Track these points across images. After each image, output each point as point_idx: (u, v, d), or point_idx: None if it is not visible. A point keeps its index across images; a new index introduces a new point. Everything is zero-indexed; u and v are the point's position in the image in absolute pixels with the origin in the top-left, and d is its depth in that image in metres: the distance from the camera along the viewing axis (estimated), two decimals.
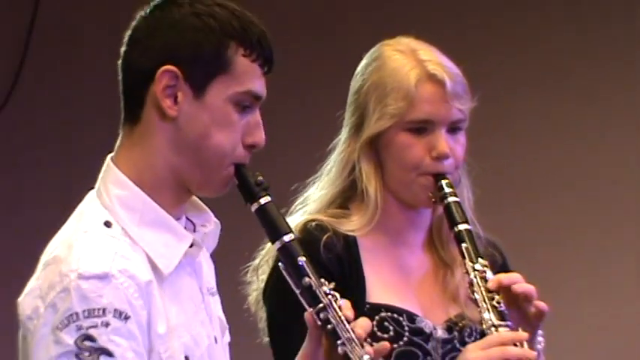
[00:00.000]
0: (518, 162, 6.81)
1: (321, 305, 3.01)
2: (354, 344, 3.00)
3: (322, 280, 3.03)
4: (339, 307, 3.03)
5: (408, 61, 3.50)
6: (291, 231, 2.99)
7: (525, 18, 7.17)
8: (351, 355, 2.98)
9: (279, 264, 3.08)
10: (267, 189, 2.96)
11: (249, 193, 2.96)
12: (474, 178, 3.61)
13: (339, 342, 2.99)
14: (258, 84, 2.88)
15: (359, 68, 3.57)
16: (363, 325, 3.02)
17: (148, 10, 2.89)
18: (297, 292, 3.02)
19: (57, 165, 6.65)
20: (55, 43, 7.24)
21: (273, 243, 3.00)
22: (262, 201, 2.96)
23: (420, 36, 3.58)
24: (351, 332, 3.00)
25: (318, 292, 3.02)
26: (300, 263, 3.00)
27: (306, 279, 3.02)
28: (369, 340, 3.04)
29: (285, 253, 3.01)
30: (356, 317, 3.04)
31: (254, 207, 2.97)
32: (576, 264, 6.78)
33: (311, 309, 3.01)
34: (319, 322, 3.01)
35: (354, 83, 3.56)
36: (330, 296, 3.02)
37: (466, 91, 3.51)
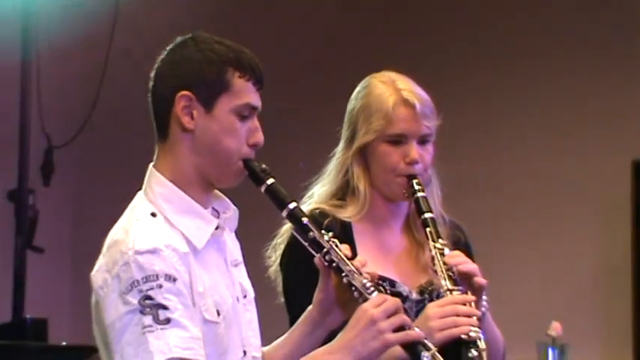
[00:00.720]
0: (476, 167, 6.76)
1: (325, 250, 3.09)
2: (354, 274, 3.08)
3: (323, 232, 3.12)
4: (340, 250, 3.11)
5: (388, 90, 3.63)
6: (294, 200, 3.12)
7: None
8: (354, 282, 3.06)
9: (291, 228, 3.28)
10: (271, 173, 3.08)
11: (257, 179, 3.08)
12: (442, 178, 3.71)
13: (343, 275, 3.08)
14: (253, 97, 3.04)
15: (353, 94, 3.73)
16: (361, 260, 3.13)
17: (164, 53, 3.09)
18: (306, 244, 3.12)
19: (121, 172, 6.59)
20: (125, 75, 7.25)
21: (281, 211, 3.11)
22: (268, 182, 3.08)
23: (399, 69, 3.72)
24: (351, 265, 3.09)
25: (321, 241, 3.10)
26: (305, 222, 3.11)
27: (311, 233, 3.10)
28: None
29: (293, 217, 3.12)
30: (354, 256, 3.14)
31: (263, 188, 3.08)
32: (517, 237, 6.76)
33: (318, 254, 3.10)
34: (326, 263, 3.10)
35: (349, 106, 3.71)
36: (331, 242, 3.11)
37: (433, 112, 3.65)
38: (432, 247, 3.54)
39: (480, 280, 3.48)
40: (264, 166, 3.07)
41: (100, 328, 2.95)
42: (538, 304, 6.31)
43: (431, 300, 3.59)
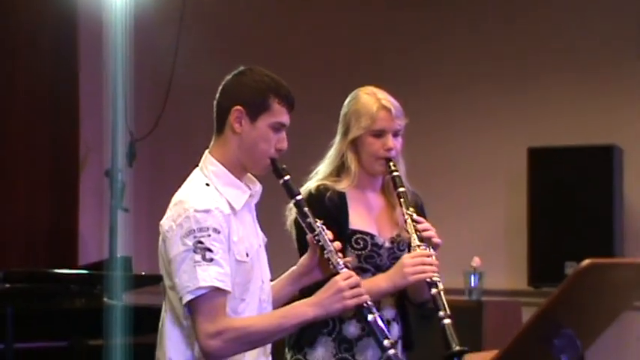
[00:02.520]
0: (428, 152, 6.77)
1: (316, 232, 3.16)
2: (333, 253, 3.14)
3: (316, 220, 3.17)
4: (326, 234, 3.16)
5: (371, 99, 3.62)
6: (299, 194, 3.19)
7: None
8: (331, 259, 3.13)
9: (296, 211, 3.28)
10: (288, 171, 3.14)
11: (278, 174, 3.14)
12: (406, 161, 3.67)
13: (325, 252, 3.15)
14: (285, 118, 3.09)
15: (346, 102, 3.69)
16: (338, 244, 3.18)
17: (229, 77, 3.13)
18: (304, 225, 3.19)
19: (181, 157, 6.52)
20: (187, 89, 7.18)
21: (291, 199, 3.19)
22: (285, 178, 3.15)
23: (379, 85, 3.71)
24: (332, 247, 3.15)
25: (314, 225, 3.17)
26: (305, 210, 3.17)
27: (308, 219, 3.17)
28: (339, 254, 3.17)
29: (297, 206, 3.19)
30: (336, 239, 3.19)
31: (281, 181, 3.15)
32: (449, 201, 6.75)
33: (311, 235, 3.17)
34: (315, 242, 3.17)
35: (343, 110, 3.68)
36: (320, 228, 3.16)
37: (402, 114, 3.64)
38: (405, 213, 3.54)
39: (437, 240, 3.52)
40: (284, 166, 3.12)
41: (165, 260, 2.99)
42: (464, 245, 6.26)
43: (399, 248, 3.60)
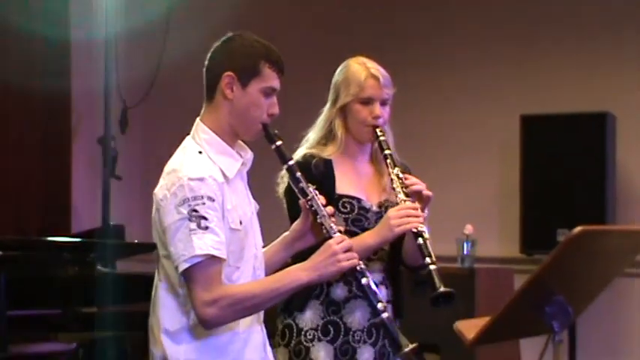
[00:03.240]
0: (414, 122, 6.75)
1: (309, 197, 3.17)
2: (325, 218, 3.15)
3: (309, 184, 3.18)
4: (319, 198, 3.17)
5: (360, 68, 3.64)
6: (292, 159, 3.19)
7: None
8: (324, 223, 3.13)
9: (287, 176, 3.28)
10: (280, 137, 3.13)
11: (270, 139, 3.13)
12: (399, 130, 3.68)
13: (318, 216, 3.16)
14: (276, 82, 3.07)
15: (337, 70, 3.71)
16: (331, 209, 3.19)
17: (219, 42, 3.11)
18: (297, 191, 3.19)
19: (173, 124, 6.51)
20: (178, 57, 7.16)
21: (283, 165, 3.19)
22: (277, 143, 3.14)
23: (370, 55, 3.72)
24: (324, 211, 3.16)
25: (307, 190, 3.17)
26: (297, 175, 3.17)
27: (301, 184, 3.17)
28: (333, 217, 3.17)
29: (290, 171, 3.19)
30: (327, 204, 3.20)
31: (273, 147, 3.14)
32: (444, 169, 6.75)
33: (304, 199, 3.18)
34: (308, 206, 3.18)
35: (334, 78, 3.70)
36: (313, 193, 3.18)
37: (391, 83, 3.66)
38: (391, 172, 3.56)
39: (427, 193, 3.54)
40: (276, 131, 3.11)
41: (159, 229, 2.98)
42: (457, 213, 6.27)
43: (386, 211, 3.58)
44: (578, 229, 2.63)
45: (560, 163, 6.14)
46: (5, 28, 6.90)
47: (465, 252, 5.77)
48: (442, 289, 3.30)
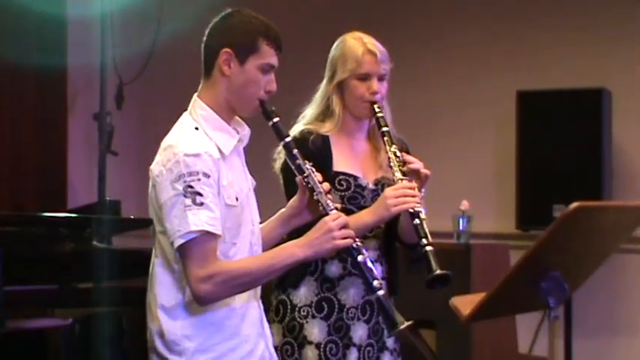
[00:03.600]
0: (412, 97, 6.75)
1: (305, 174, 3.16)
2: (322, 195, 3.14)
3: (306, 161, 3.17)
4: (315, 175, 3.16)
5: (357, 43, 3.63)
6: (289, 135, 3.17)
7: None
8: (321, 200, 3.12)
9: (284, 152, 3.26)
10: (277, 113, 3.11)
11: (267, 116, 3.11)
12: (395, 107, 3.67)
13: (314, 193, 3.15)
14: (273, 59, 3.06)
15: (333, 46, 3.70)
16: (327, 185, 3.17)
17: (217, 19, 3.09)
18: (293, 168, 3.17)
19: (169, 100, 6.49)
20: (173, 34, 7.15)
21: (280, 141, 3.17)
22: (274, 120, 3.12)
23: (367, 30, 3.71)
24: (321, 187, 3.15)
25: (303, 167, 3.16)
26: (294, 152, 3.16)
27: (297, 161, 3.16)
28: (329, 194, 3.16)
29: (287, 148, 3.18)
30: (324, 181, 3.18)
31: (270, 123, 3.12)
32: (439, 145, 6.78)
33: (300, 176, 3.17)
34: (304, 183, 3.17)
35: (331, 54, 3.69)
36: (310, 170, 3.16)
37: (388, 59, 3.65)
38: (389, 150, 3.55)
39: (425, 171, 3.53)
40: (273, 108, 3.09)
41: (155, 205, 2.98)
42: (453, 189, 6.27)
43: (382, 190, 3.59)
44: (574, 204, 2.63)
45: (556, 139, 6.14)
46: (0, 4, 6.89)
47: (461, 228, 5.76)
48: (438, 271, 3.31)
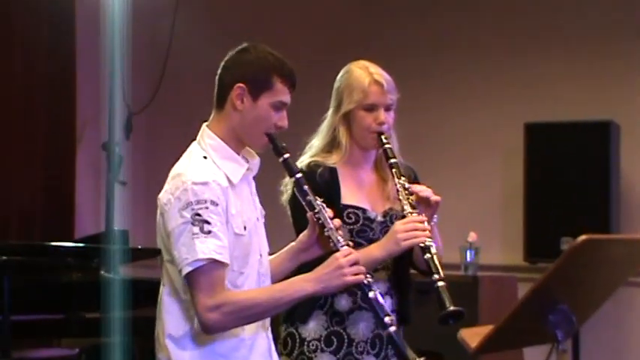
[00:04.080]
0: (420, 127, 6.75)
1: (316, 210, 3.15)
2: (333, 231, 3.13)
3: (316, 197, 3.17)
4: (326, 211, 3.16)
5: (363, 73, 3.60)
6: (300, 171, 3.18)
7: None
8: (332, 236, 3.12)
9: (294, 189, 3.25)
10: (287, 150, 3.13)
11: (277, 153, 3.12)
12: (403, 138, 3.67)
13: (325, 229, 3.14)
14: (286, 97, 3.07)
15: (338, 76, 3.67)
16: (338, 221, 3.18)
17: (233, 52, 3.11)
18: (305, 204, 3.16)
19: (176, 130, 6.51)
20: (181, 67, 7.15)
21: (290, 177, 3.19)
22: (285, 156, 3.13)
23: (372, 58, 3.68)
24: (332, 224, 3.14)
25: (314, 203, 3.16)
26: (305, 189, 3.16)
27: (308, 197, 3.16)
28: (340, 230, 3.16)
29: (297, 184, 3.18)
30: (334, 217, 3.19)
31: (280, 159, 3.13)
32: (447, 176, 6.74)
33: (311, 212, 3.16)
34: (315, 219, 3.17)
35: (336, 84, 3.66)
36: (320, 206, 3.16)
37: (395, 89, 3.62)
38: (397, 182, 3.52)
39: (436, 198, 3.51)
40: (284, 144, 3.10)
41: (163, 233, 2.98)
42: (461, 220, 6.26)
43: (391, 221, 3.58)
44: (582, 237, 2.63)
45: (564, 172, 6.15)
46: (10, 35, 6.93)
47: (469, 260, 5.77)
48: (452, 308, 3.28)
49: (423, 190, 3.51)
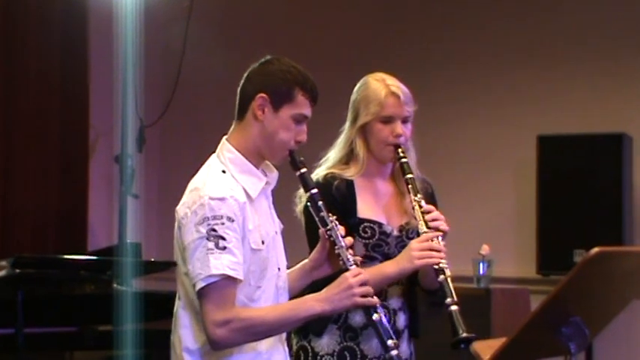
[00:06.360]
0: (438, 141, 6.75)
1: (328, 227, 3.17)
2: (343, 249, 3.15)
3: (329, 214, 3.18)
4: (338, 229, 3.17)
5: (380, 85, 3.60)
6: (315, 187, 3.19)
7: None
8: (342, 255, 3.14)
9: (308, 203, 3.26)
10: (305, 164, 3.16)
11: (295, 167, 3.15)
12: (416, 150, 3.67)
13: (336, 247, 3.16)
14: (307, 110, 3.10)
15: (355, 88, 3.67)
16: (350, 240, 3.19)
17: (257, 64, 3.13)
18: (317, 220, 3.19)
19: (189, 143, 6.53)
20: (194, 79, 7.17)
21: (306, 192, 3.20)
22: (302, 171, 3.16)
23: (388, 71, 3.69)
24: (343, 242, 3.16)
25: (327, 220, 3.17)
26: (319, 204, 3.18)
27: (322, 214, 3.17)
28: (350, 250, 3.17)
29: (312, 200, 3.19)
30: (347, 235, 3.20)
31: (297, 173, 3.16)
32: (461, 189, 6.75)
33: (323, 228, 3.18)
34: (327, 236, 3.18)
35: (353, 97, 3.66)
36: (333, 223, 3.17)
37: (412, 101, 3.62)
38: (413, 200, 3.53)
39: (444, 228, 3.49)
40: (302, 158, 3.13)
41: (180, 247, 3.01)
42: (473, 233, 6.27)
43: (407, 236, 3.59)
44: (595, 250, 2.64)
45: (576, 184, 6.15)
46: (22, 47, 6.97)
47: (481, 272, 5.76)
48: (464, 334, 3.27)
49: (435, 218, 3.50)
